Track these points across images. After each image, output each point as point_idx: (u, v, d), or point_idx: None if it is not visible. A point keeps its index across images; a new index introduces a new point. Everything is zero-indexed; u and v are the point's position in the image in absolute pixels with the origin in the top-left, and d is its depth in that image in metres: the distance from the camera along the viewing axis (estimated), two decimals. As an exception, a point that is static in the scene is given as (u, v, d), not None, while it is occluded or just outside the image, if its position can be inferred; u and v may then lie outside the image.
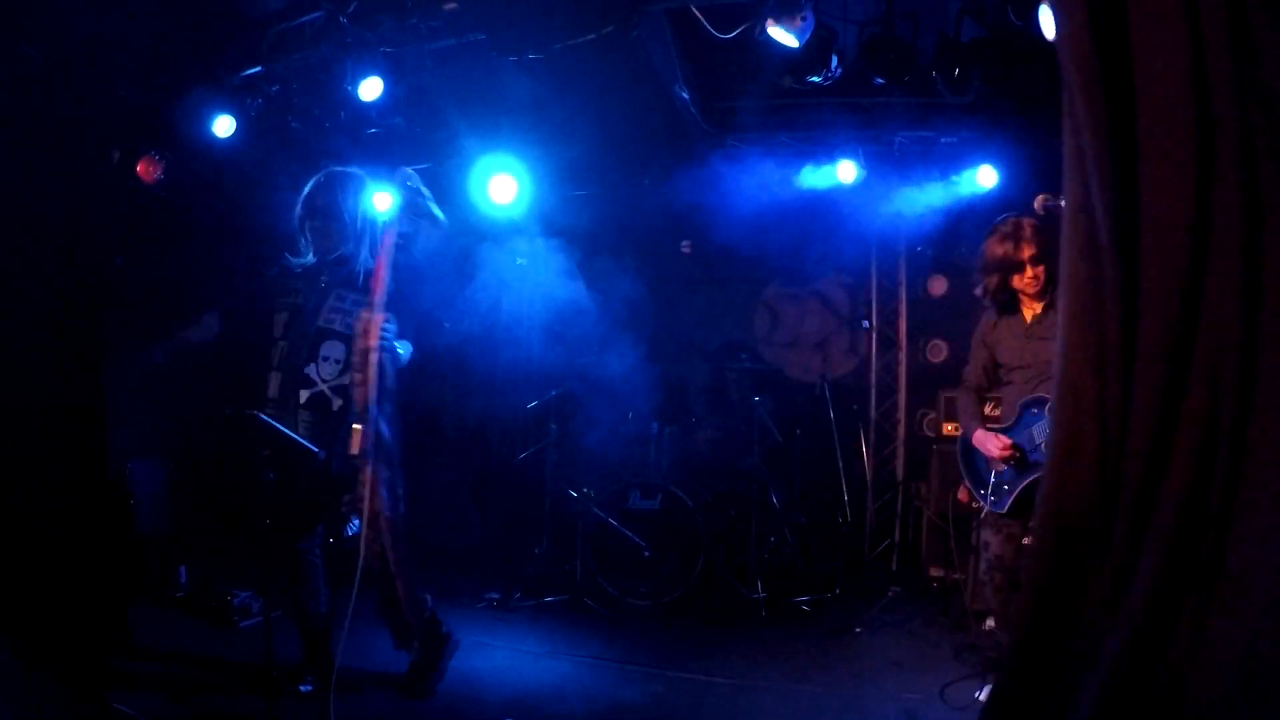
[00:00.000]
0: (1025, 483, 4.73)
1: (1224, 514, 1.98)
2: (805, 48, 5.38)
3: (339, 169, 4.74)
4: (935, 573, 7.55)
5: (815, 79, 5.72)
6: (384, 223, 4.36)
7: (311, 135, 6.87)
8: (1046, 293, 4.81)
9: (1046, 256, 4.73)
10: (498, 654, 5.82)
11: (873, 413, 9.34)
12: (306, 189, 4.69)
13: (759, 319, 9.77)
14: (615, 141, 7.67)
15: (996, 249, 4.79)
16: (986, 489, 4.94)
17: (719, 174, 7.82)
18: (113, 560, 5.19)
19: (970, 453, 5.07)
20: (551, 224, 8.58)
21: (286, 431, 4.22)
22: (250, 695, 4.61)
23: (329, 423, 4.53)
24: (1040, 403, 4.71)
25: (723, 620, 6.76)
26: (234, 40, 6.30)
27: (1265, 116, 1.99)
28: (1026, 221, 4.75)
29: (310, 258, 4.71)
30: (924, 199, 7.91)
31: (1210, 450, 2.01)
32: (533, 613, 6.78)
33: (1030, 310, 4.89)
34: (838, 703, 5.17)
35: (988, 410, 5.82)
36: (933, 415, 8.51)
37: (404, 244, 4.32)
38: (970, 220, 7.37)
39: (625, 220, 8.90)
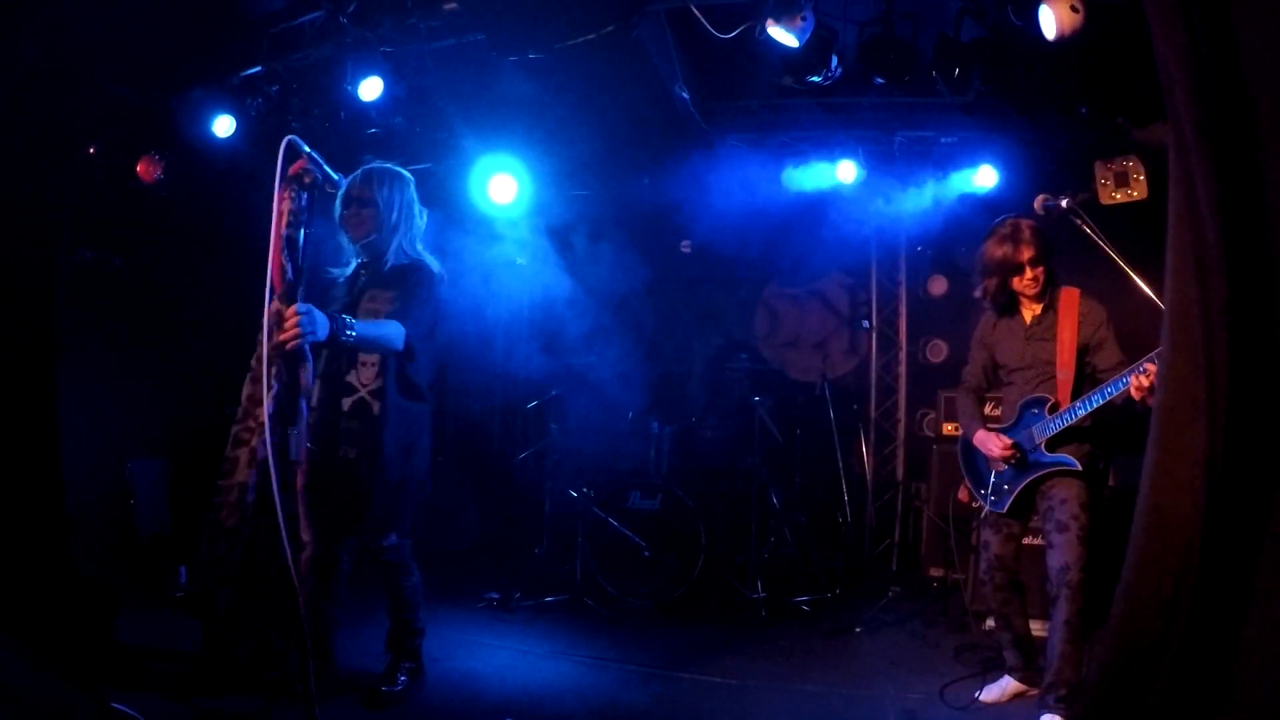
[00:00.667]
0: (1025, 482, 4.74)
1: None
2: (805, 48, 5.39)
3: (379, 163, 4.69)
4: (935, 573, 7.55)
5: (815, 79, 5.72)
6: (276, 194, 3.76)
7: (311, 135, 6.86)
8: (1045, 294, 4.82)
9: (1045, 258, 4.73)
10: (498, 654, 5.82)
11: (873, 412, 9.35)
12: (345, 183, 4.62)
13: (759, 319, 9.77)
14: (615, 141, 7.67)
15: (996, 251, 4.79)
16: (987, 489, 4.95)
17: (719, 174, 7.82)
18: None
19: (971, 453, 5.08)
20: (551, 224, 8.58)
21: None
22: (250, 695, 4.61)
23: (372, 429, 4.52)
24: (1040, 402, 4.71)
25: (723, 620, 6.76)
26: (234, 40, 6.31)
27: None
28: (1025, 223, 4.75)
29: (348, 252, 4.71)
30: (924, 199, 7.92)
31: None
32: (533, 613, 6.77)
33: (1030, 311, 4.89)
34: (838, 702, 5.17)
35: (988, 410, 5.83)
36: (933, 415, 8.51)
37: (298, 219, 3.78)
38: (970, 220, 7.39)
39: (625, 220, 8.91)
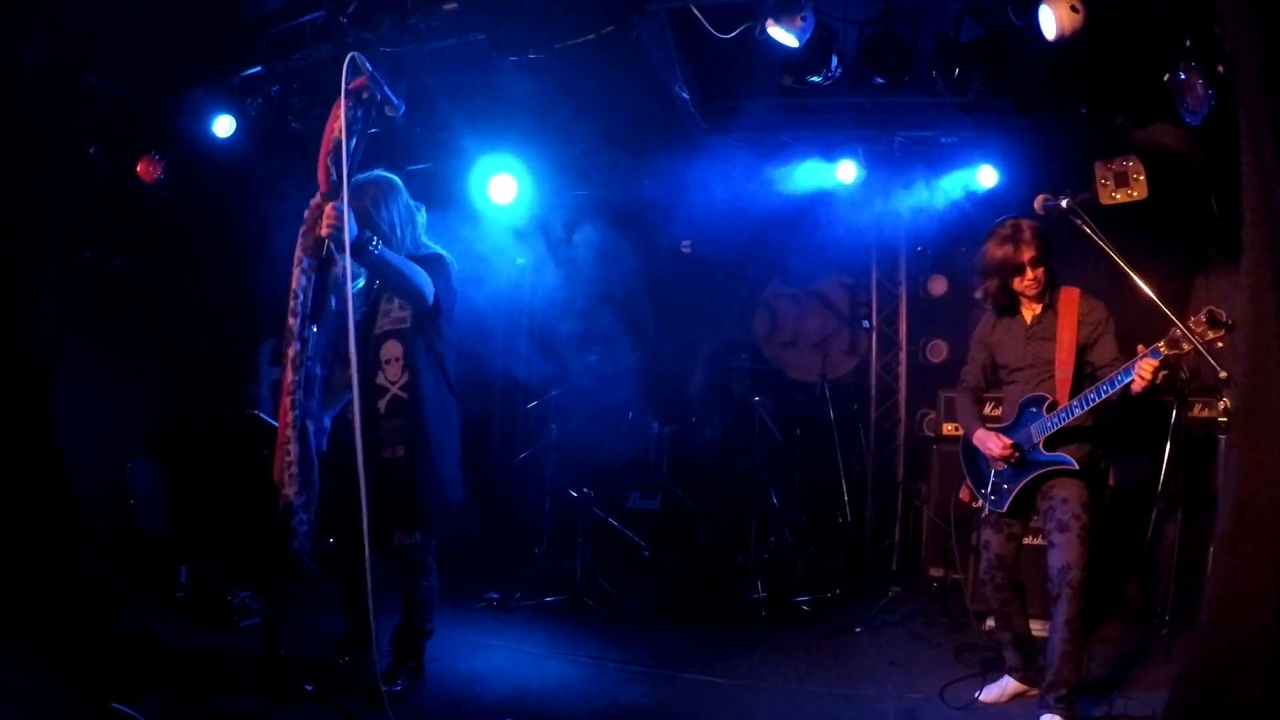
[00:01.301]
0: (1024, 482, 4.74)
1: None
2: (805, 48, 5.38)
3: (363, 177, 4.66)
4: (935, 573, 7.55)
5: (815, 79, 5.73)
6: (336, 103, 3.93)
7: (311, 135, 6.86)
8: (1045, 294, 4.82)
9: (1046, 258, 4.74)
10: (498, 654, 5.82)
11: (873, 412, 9.35)
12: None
13: (759, 319, 9.77)
14: (615, 141, 7.68)
15: (996, 252, 4.79)
16: (987, 488, 4.95)
17: (719, 174, 7.82)
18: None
19: (972, 452, 5.08)
20: (551, 224, 8.58)
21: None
22: (251, 695, 4.61)
23: (414, 423, 4.59)
24: (1039, 401, 4.71)
25: (723, 620, 6.76)
26: (234, 40, 6.30)
27: None
28: (1026, 223, 4.76)
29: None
30: (924, 199, 7.92)
31: None
32: (533, 613, 6.77)
33: (1030, 311, 4.89)
34: (838, 702, 5.18)
35: (988, 410, 5.84)
36: (933, 415, 8.51)
37: (351, 130, 3.96)
38: (970, 220, 7.40)
39: (625, 220, 8.90)
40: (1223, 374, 3.74)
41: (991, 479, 4.94)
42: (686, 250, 9.34)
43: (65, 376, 6.52)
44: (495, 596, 6.92)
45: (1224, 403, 3.85)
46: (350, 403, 4.70)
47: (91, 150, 6.69)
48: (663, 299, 9.56)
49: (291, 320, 3.83)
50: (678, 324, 9.56)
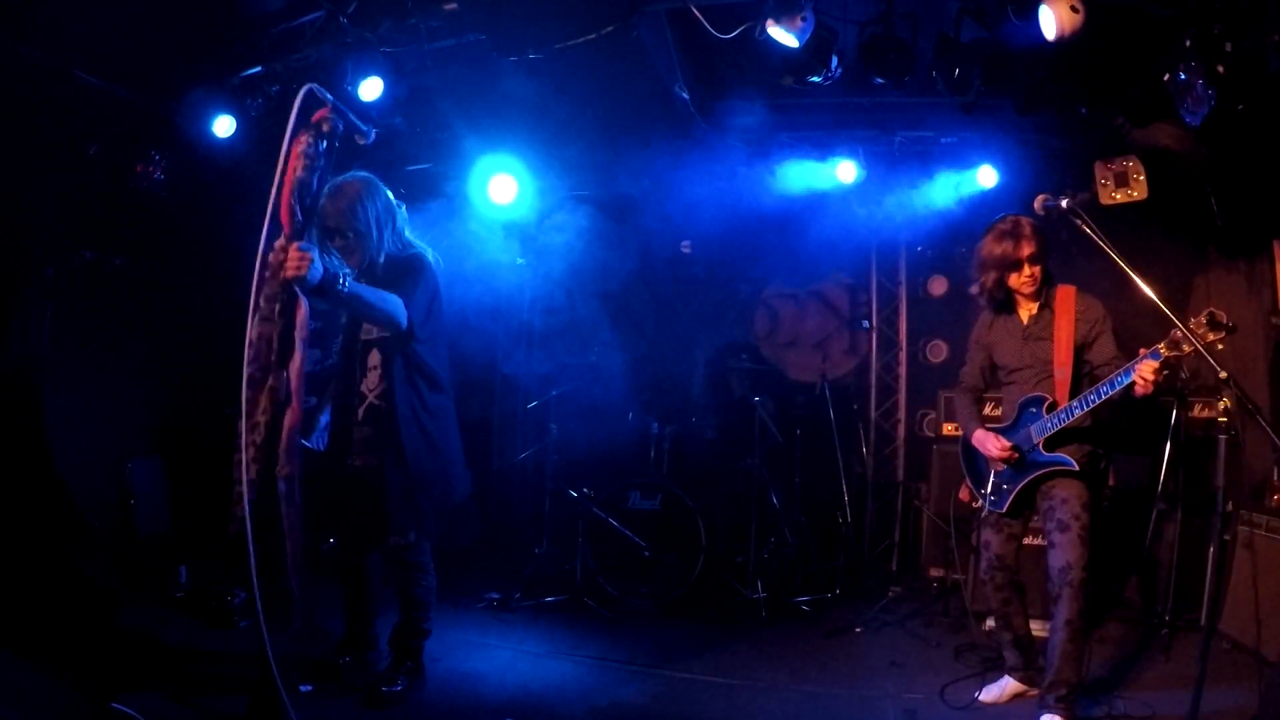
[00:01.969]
0: (1024, 482, 4.74)
1: None
2: (805, 48, 5.38)
3: (341, 179, 4.62)
4: (935, 573, 7.55)
5: (815, 79, 5.72)
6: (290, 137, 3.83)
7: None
8: (1041, 292, 4.82)
9: (1044, 255, 4.74)
10: (498, 654, 5.82)
11: (873, 413, 9.35)
12: (318, 215, 4.58)
13: (759, 319, 9.77)
14: (615, 141, 7.67)
15: (994, 247, 4.79)
16: (987, 488, 4.96)
17: (719, 174, 7.82)
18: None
19: (971, 452, 5.08)
20: (551, 224, 8.57)
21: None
22: (250, 695, 4.61)
23: (387, 430, 4.58)
24: (1038, 401, 4.71)
25: (723, 620, 6.76)
26: (234, 40, 6.30)
27: None
28: (1025, 220, 4.76)
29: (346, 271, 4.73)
30: (924, 199, 7.92)
31: None
32: (533, 613, 6.77)
33: (1026, 310, 4.89)
34: (838, 703, 5.18)
35: (988, 410, 5.84)
36: (933, 415, 8.52)
37: (313, 165, 3.87)
38: (970, 220, 7.39)
39: (625, 220, 8.89)
40: (1222, 374, 3.74)
41: (991, 479, 4.94)
42: (686, 250, 9.33)
43: (65, 377, 6.53)
44: (495, 596, 6.92)
45: (1224, 403, 3.82)
46: (335, 410, 4.75)
47: (92, 150, 6.69)
48: (663, 299, 9.56)
49: (249, 369, 3.69)
50: (678, 324, 9.56)
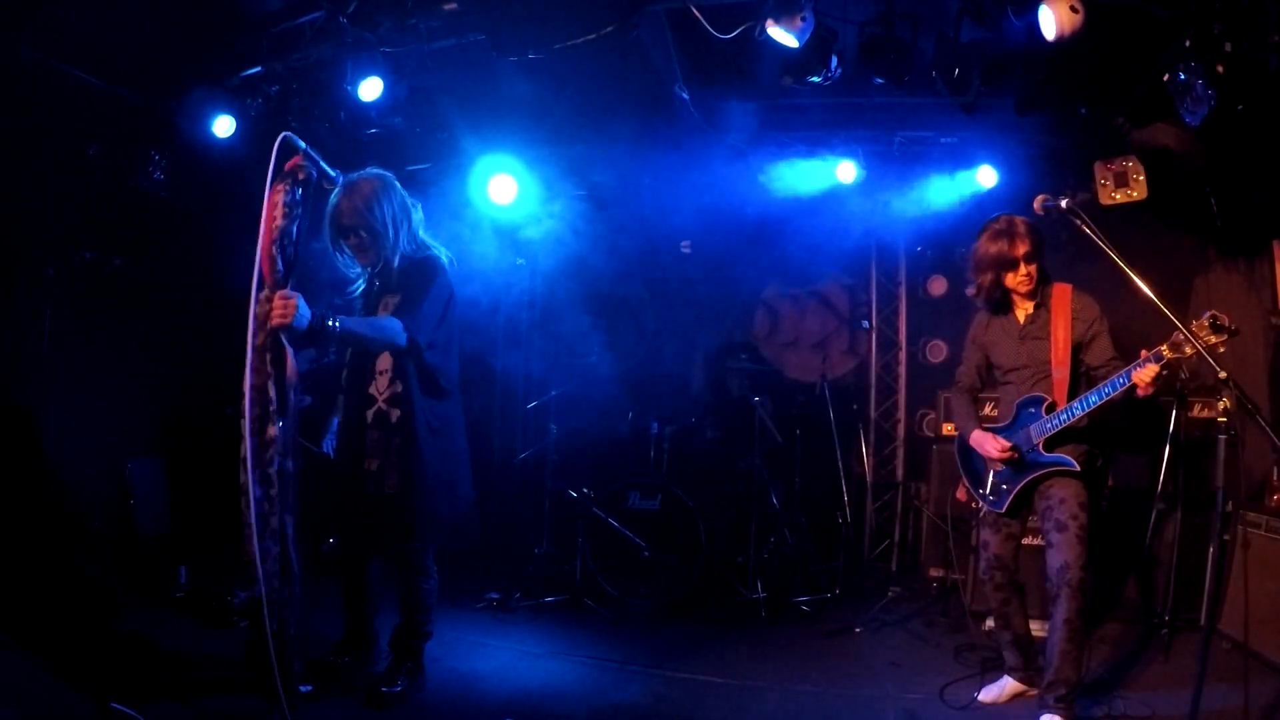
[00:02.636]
0: (1023, 482, 4.74)
1: None
2: (805, 48, 5.39)
3: (356, 176, 4.60)
4: (935, 573, 7.56)
5: (815, 79, 5.73)
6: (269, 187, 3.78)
7: (311, 136, 6.86)
8: (1038, 291, 4.82)
9: (1039, 254, 4.74)
10: (498, 654, 5.82)
11: (872, 413, 9.35)
12: (330, 206, 4.59)
13: (759, 319, 9.77)
14: (615, 141, 7.67)
15: (990, 246, 4.78)
16: (985, 489, 4.95)
17: (718, 173, 7.82)
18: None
19: (968, 453, 5.08)
20: (551, 224, 8.58)
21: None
22: (250, 695, 4.61)
23: (394, 436, 4.57)
24: (1037, 402, 4.71)
25: (723, 620, 6.75)
26: (234, 40, 6.31)
27: None
28: (1020, 219, 4.76)
29: (349, 266, 4.73)
30: (924, 199, 7.93)
31: None
32: (533, 613, 6.77)
33: (1023, 310, 4.89)
34: (838, 703, 5.17)
35: (986, 410, 5.84)
36: (932, 415, 8.52)
37: (292, 213, 3.81)
38: (970, 220, 7.38)
39: (625, 220, 8.90)
40: (1222, 374, 3.74)
41: (990, 479, 4.94)
42: (686, 250, 9.34)
43: (65, 377, 6.53)
44: (495, 596, 6.92)
45: (1224, 403, 3.82)
46: (345, 413, 4.75)
47: (92, 151, 6.69)
48: (662, 299, 9.57)
49: (245, 420, 3.64)
50: (677, 324, 9.56)
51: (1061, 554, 4.51)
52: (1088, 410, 4.48)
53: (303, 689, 4.62)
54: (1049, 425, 4.61)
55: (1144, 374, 4.16)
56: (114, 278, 7.09)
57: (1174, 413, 6.46)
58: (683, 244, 9.36)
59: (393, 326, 4.31)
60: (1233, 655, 5.54)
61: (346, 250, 4.65)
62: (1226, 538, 5.81)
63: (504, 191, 7.80)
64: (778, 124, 7.42)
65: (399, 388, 4.56)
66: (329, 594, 5.10)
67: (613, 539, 7.11)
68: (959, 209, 7.78)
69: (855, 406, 9.19)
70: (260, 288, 3.68)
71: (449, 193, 7.89)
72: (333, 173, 3.86)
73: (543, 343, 9.73)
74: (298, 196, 3.76)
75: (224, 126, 6.48)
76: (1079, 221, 4.24)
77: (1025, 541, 5.17)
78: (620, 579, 7.03)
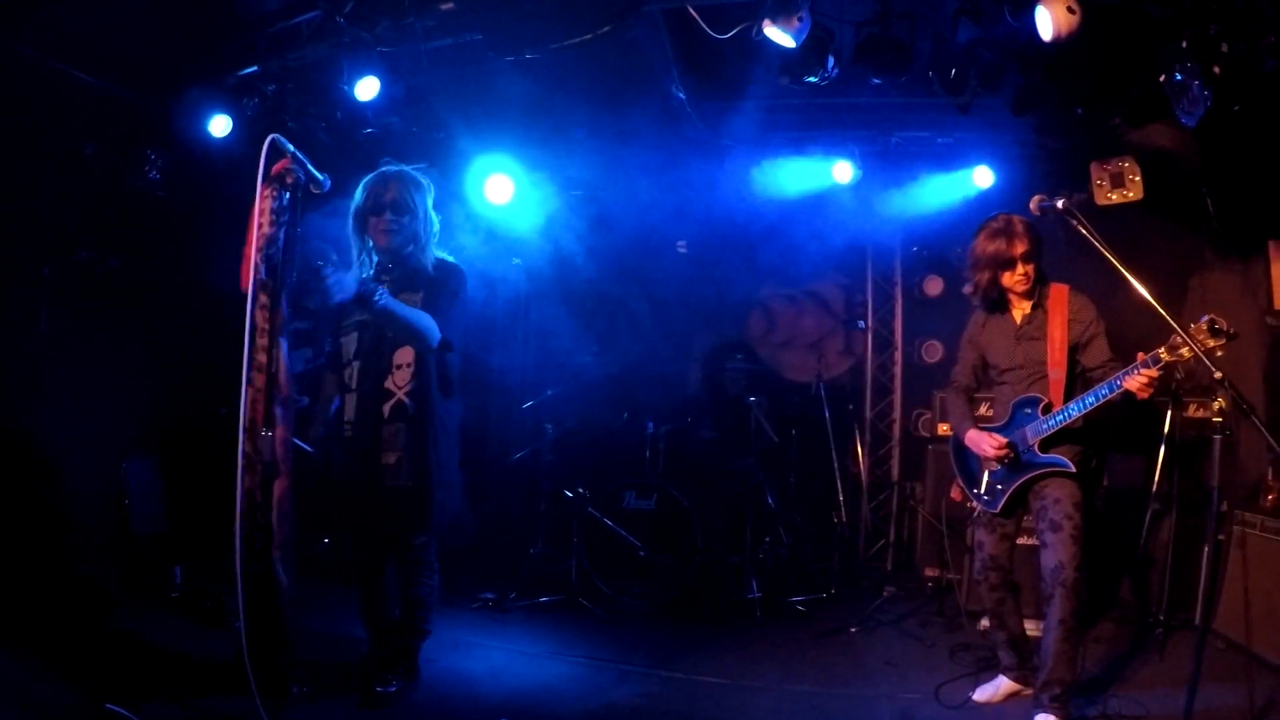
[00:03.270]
0: (1018, 482, 4.74)
1: None
2: (802, 48, 5.40)
3: (403, 168, 4.74)
4: (930, 573, 7.56)
5: (812, 79, 5.73)
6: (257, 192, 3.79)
7: (307, 135, 6.85)
8: (1035, 291, 4.82)
9: (1037, 254, 4.74)
10: (493, 654, 5.82)
11: (868, 413, 9.36)
12: (367, 186, 4.68)
13: (754, 319, 9.78)
14: (611, 141, 7.66)
15: (988, 246, 4.78)
16: (980, 488, 4.96)
17: (715, 174, 7.82)
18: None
19: (963, 452, 5.09)
20: (547, 224, 8.57)
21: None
22: (245, 696, 4.60)
23: (413, 431, 4.60)
24: (1033, 402, 4.71)
25: (718, 620, 6.76)
26: (231, 40, 6.29)
27: None
28: (1017, 218, 4.75)
29: (368, 262, 4.74)
30: (920, 199, 7.93)
31: None
32: (528, 613, 6.78)
33: (1019, 310, 4.89)
34: (833, 702, 5.18)
35: (981, 410, 5.84)
36: (928, 415, 8.51)
37: (279, 218, 3.80)
38: (966, 221, 7.38)
39: (621, 220, 8.89)
40: (1218, 374, 3.74)
41: (985, 480, 4.94)
42: (682, 250, 9.34)
43: (61, 375, 6.52)
44: (490, 596, 6.92)
45: (1219, 403, 3.82)
46: (341, 413, 4.72)
47: (88, 150, 6.68)
48: (658, 299, 9.56)
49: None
50: (673, 324, 9.56)
51: (1056, 554, 4.51)
52: (1084, 412, 4.48)
53: (294, 690, 4.62)
54: (1045, 426, 4.61)
55: (1134, 382, 4.17)
56: (110, 277, 7.07)
57: (1169, 413, 6.47)
58: (679, 244, 9.35)
59: (430, 324, 4.44)
60: (1227, 655, 5.55)
61: (366, 232, 4.69)
62: (1221, 538, 5.82)
63: (500, 191, 7.80)
64: (774, 124, 7.42)
65: (419, 383, 4.61)
66: (324, 595, 5.11)
67: (608, 539, 7.11)
68: (955, 209, 7.78)
69: (851, 406, 9.19)
70: (254, 296, 3.66)
71: (446, 192, 7.86)
72: (320, 176, 3.86)
73: (538, 342, 9.73)
74: (285, 203, 3.75)
75: (220, 126, 6.47)
76: (1075, 222, 4.24)
77: (1020, 541, 5.17)
78: (615, 579, 7.03)
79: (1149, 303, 4.00)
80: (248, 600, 3.59)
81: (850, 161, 7.64)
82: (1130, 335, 4.73)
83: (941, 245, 8.82)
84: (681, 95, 6.82)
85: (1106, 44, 5.38)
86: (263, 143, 3.70)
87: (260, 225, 3.71)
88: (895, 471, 9.21)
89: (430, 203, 4.75)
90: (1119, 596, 6.72)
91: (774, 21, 5.20)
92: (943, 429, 7.74)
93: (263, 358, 3.64)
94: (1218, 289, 7.25)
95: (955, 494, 5.28)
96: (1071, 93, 6.00)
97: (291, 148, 3.76)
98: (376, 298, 4.16)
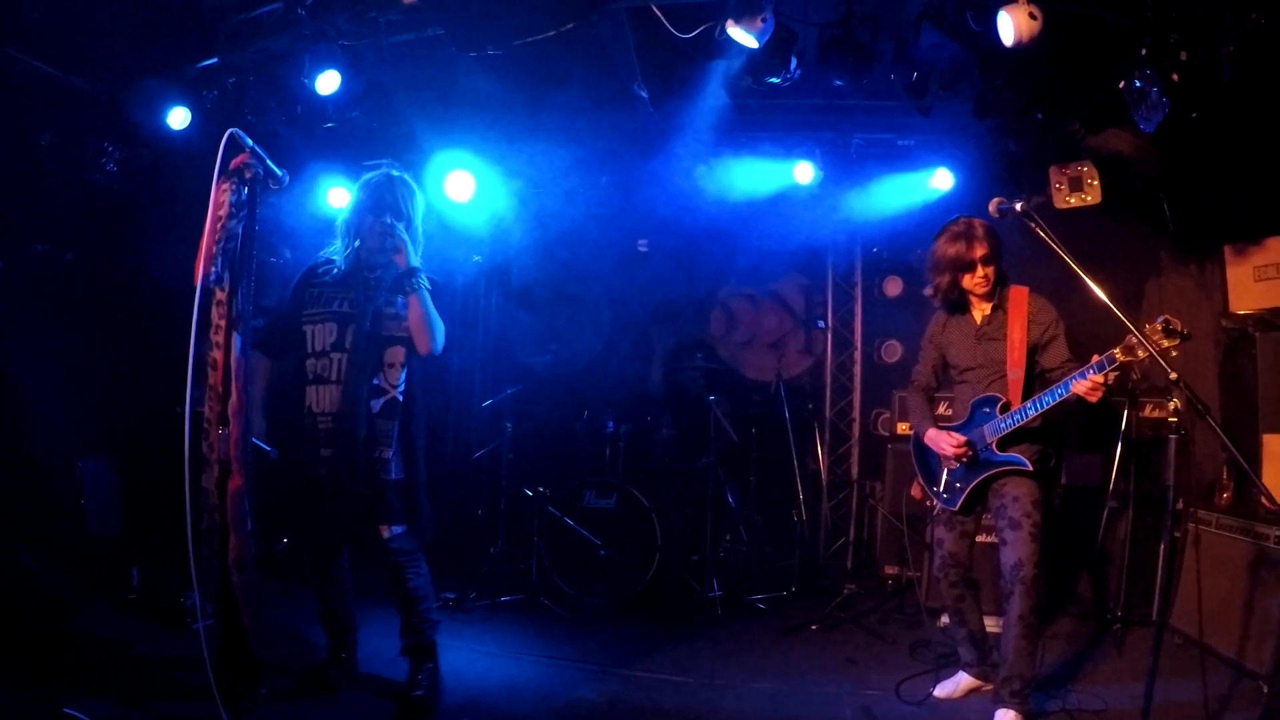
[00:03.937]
0: (977, 480, 4.79)
1: None
2: (765, 49, 5.41)
3: (396, 173, 4.79)
4: (890, 570, 7.61)
5: (774, 80, 5.75)
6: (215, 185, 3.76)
7: (268, 129, 6.77)
8: (995, 293, 4.87)
9: (997, 257, 4.79)
10: (454, 654, 5.77)
11: (828, 412, 9.40)
12: (370, 186, 4.72)
13: (715, 318, 9.79)
14: (573, 139, 7.64)
15: (948, 248, 4.83)
16: (939, 486, 5.00)
17: (676, 172, 7.81)
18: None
19: (923, 451, 5.13)
20: (508, 222, 8.54)
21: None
22: (203, 698, 4.55)
23: (404, 425, 4.68)
24: (991, 402, 4.76)
25: (679, 619, 6.77)
26: (190, 31, 6.21)
27: None
28: (978, 222, 4.80)
29: (349, 258, 4.74)
30: (881, 201, 7.96)
31: None
32: (488, 612, 6.75)
33: (980, 311, 4.94)
34: (794, 700, 5.21)
35: (941, 409, 5.89)
36: (887, 415, 8.59)
37: (238, 212, 3.76)
38: (926, 222, 7.44)
39: (582, 218, 8.86)
40: (1173, 375, 3.79)
41: (944, 478, 4.99)
42: (643, 249, 9.34)
43: (14, 373, 6.41)
44: (451, 596, 6.88)
45: (1174, 403, 3.88)
46: (309, 407, 4.66)
47: (44, 141, 6.57)
48: (619, 297, 9.55)
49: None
50: (634, 322, 9.56)
51: (1015, 551, 4.57)
52: (1041, 411, 4.54)
53: (260, 692, 4.57)
54: (1003, 425, 4.66)
55: (1081, 386, 4.23)
56: (65, 273, 6.97)
57: (1126, 413, 6.56)
58: (640, 242, 9.35)
59: (443, 330, 4.67)
60: (1184, 649, 5.64)
61: (359, 230, 4.70)
62: (1178, 535, 5.91)
63: (461, 188, 7.75)
64: (736, 124, 7.41)
65: (408, 381, 4.72)
66: (283, 596, 5.06)
67: (569, 538, 7.11)
68: (915, 211, 7.83)
69: (811, 406, 9.21)
70: (204, 291, 3.64)
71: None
72: (279, 172, 3.84)
73: (498, 341, 9.69)
74: (244, 196, 3.73)
75: (179, 119, 6.40)
76: (1034, 224, 4.29)
77: (979, 539, 5.22)
78: (576, 578, 7.03)
79: (1106, 304, 4.04)
80: (207, 601, 3.56)
81: (811, 163, 7.66)
82: (1087, 336, 4.79)
83: (902, 246, 8.89)
84: (644, 94, 6.80)
85: (1067, 50, 5.43)
86: (221, 136, 3.67)
87: (217, 219, 3.68)
88: (855, 470, 9.26)
89: (421, 213, 4.83)
90: (1077, 593, 6.80)
91: (737, 22, 5.21)
92: (902, 428, 7.80)
93: (218, 354, 3.62)
94: (1174, 291, 7.34)
95: (915, 492, 5.33)
96: (1032, 97, 6.05)
97: (250, 142, 3.73)
98: (419, 279, 4.48)
